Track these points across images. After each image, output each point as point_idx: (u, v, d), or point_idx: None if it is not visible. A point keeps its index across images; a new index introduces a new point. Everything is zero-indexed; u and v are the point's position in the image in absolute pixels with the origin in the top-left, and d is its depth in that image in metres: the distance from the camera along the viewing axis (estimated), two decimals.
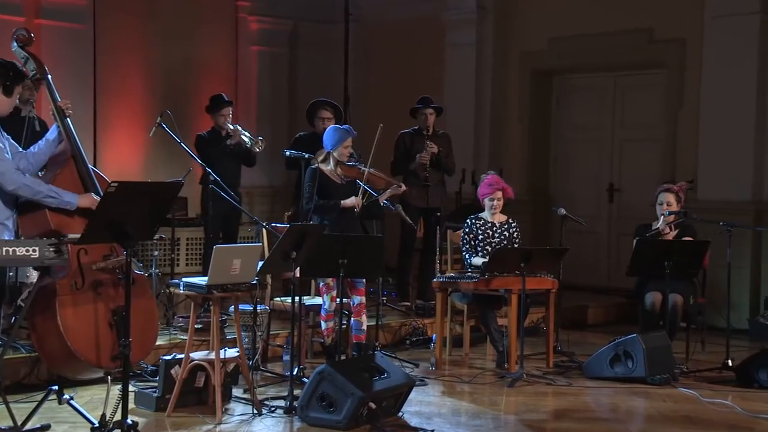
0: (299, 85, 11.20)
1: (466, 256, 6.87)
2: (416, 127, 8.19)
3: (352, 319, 6.42)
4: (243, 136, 7.62)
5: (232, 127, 7.69)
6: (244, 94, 10.90)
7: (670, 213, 6.99)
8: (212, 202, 6.95)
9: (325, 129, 7.75)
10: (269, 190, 10.97)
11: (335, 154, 6.52)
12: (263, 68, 10.97)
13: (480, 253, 6.86)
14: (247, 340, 6.16)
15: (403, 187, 6.72)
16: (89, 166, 5.45)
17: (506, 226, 6.96)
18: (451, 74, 10.44)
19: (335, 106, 7.95)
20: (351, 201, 6.47)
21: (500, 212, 6.97)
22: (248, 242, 8.59)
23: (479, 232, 6.88)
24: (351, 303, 6.42)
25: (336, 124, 7.71)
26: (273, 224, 6.68)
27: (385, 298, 7.89)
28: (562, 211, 7.28)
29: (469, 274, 6.65)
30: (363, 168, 6.55)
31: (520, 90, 10.23)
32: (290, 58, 11.22)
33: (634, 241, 6.82)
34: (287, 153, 6.78)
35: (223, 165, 7.63)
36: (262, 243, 6.55)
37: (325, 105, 7.89)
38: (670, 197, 7.03)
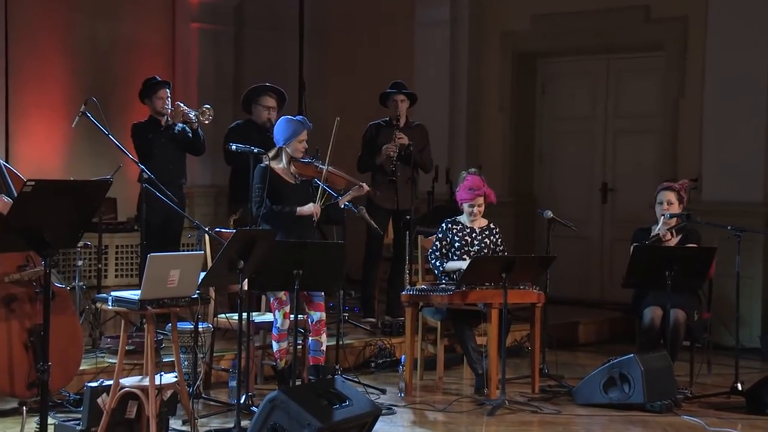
0: (246, 69, 11.15)
1: (437, 264, 6.86)
2: (387, 118, 8.20)
3: (309, 338, 6.40)
4: (188, 114, 7.57)
5: (170, 109, 7.65)
6: (183, 79, 10.82)
7: (671, 215, 7.04)
8: (146, 204, 6.89)
9: (268, 119, 7.73)
10: (212, 190, 10.90)
11: (288, 149, 6.50)
12: (205, 49, 10.90)
13: (455, 257, 6.85)
14: (186, 363, 6.11)
15: (365, 188, 6.70)
16: (1, 162, 5.37)
17: (487, 232, 6.97)
18: (421, 57, 10.45)
19: (280, 92, 7.92)
20: (308, 208, 6.45)
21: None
22: (188, 250, 8.52)
23: (456, 238, 6.88)
24: (308, 320, 6.40)
25: (279, 112, 7.69)
26: (217, 229, 6.63)
27: (347, 314, 7.87)
28: (549, 213, 7.31)
29: (443, 286, 6.66)
30: (321, 165, 6.52)
31: (501, 75, 10.26)
32: (236, 37, 11.17)
33: (631, 248, 6.86)
34: (233, 147, 6.74)
35: (165, 157, 7.58)
36: (205, 251, 6.51)
37: (268, 91, 7.85)
38: (671, 196, 7.08)
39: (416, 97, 8.29)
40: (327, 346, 6.49)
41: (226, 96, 10.84)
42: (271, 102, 7.79)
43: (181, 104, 7.68)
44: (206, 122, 7.71)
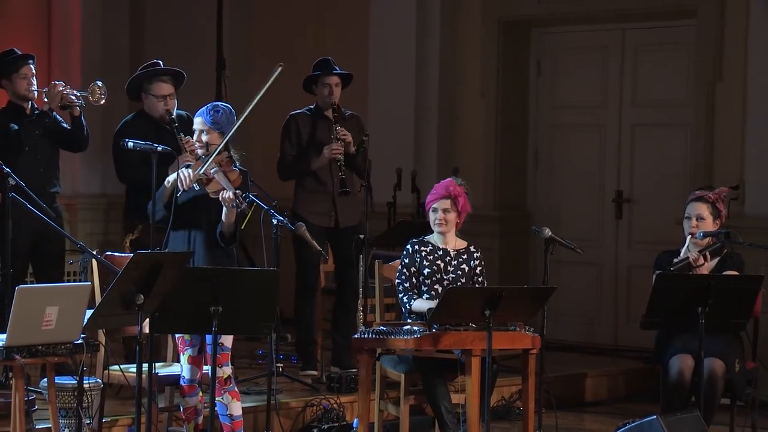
0: (148, 42, 11.13)
1: (404, 300, 6.90)
2: (312, 106, 8.22)
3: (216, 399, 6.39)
4: (69, 95, 7.51)
5: (40, 90, 7.57)
6: (61, 56, 10.77)
7: (705, 234, 7.12)
8: (12, 219, 6.87)
9: (166, 111, 7.68)
10: (102, 202, 10.87)
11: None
12: (91, 14, 10.86)
13: (426, 295, 6.90)
14: (67, 430, 6.08)
15: (227, 195, 6.44)
16: None
17: (465, 256, 7.01)
18: (379, 26, 10.48)
19: (174, 72, 7.86)
20: (173, 177, 6.38)
21: (458, 235, 7.02)
22: (71, 281, 8.48)
23: (424, 264, 6.92)
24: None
25: (176, 97, 7.68)
26: (108, 253, 6.62)
27: (281, 366, 7.88)
28: (547, 232, 7.36)
29: (408, 327, 6.69)
30: (206, 167, 6.44)
31: (483, 50, 10.32)
32: None
33: (654, 277, 6.93)
34: (129, 143, 6.72)
35: (33, 157, 7.53)
36: (92, 282, 6.50)
37: (159, 75, 7.78)
38: (702, 209, 7.17)
39: (351, 76, 8.31)
40: (257, 407, 6.48)
41: (120, 78, 10.78)
42: (165, 89, 7.66)
43: (59, 84, 7.61)
44: (101, 102, 7.65)
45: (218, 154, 6.44)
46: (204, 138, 6.46)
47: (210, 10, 10.50)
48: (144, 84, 7.75)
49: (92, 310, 5.50)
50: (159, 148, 6.58)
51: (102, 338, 6.40)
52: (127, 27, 11.10)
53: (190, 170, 6.36)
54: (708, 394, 6.86)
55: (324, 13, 10.89)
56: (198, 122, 6.49)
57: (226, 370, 6.35)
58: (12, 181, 6.61)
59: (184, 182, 6.34)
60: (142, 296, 5.40)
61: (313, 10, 10.96)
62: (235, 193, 6.27)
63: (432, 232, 7.02)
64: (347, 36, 10.47)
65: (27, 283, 7.40)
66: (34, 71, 7.67)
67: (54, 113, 7.62)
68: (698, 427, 6.55)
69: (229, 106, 6.60)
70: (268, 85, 6.62)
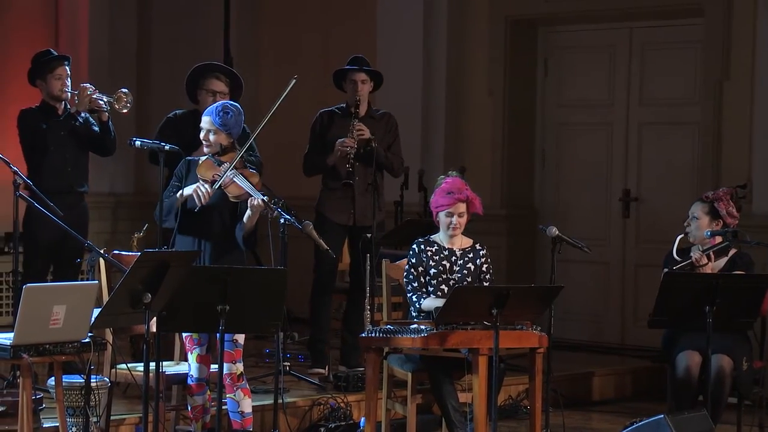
0: (155, 40, 11.14)
1: (414, 299, 6.89)
2: (343, 104, 8.23)
3: (225, 395, 6.39)
4: (98, 101, 7.53)
5: (72, 92, 7.59)
6: (68, 49, 10.72)
7: (713, 233, 7.12)
8: (30, 217, 6.87)
9: None
10: (109, 201, 10.89)
11: None
12: (98, 13, 10.86)
13: (433, 295, 6.89)
14: (75, 429, 6.09)
15: (257, 202, 6.45)
16: None
17: (471, 255, 7.01)
18: (385, 26, 10.49)
19: (230, 72, 7.89)
20: (188, 190, 6.40)
21: (463, 234, 7.01)
22: (78, 280, 8.49)
23: (431, 263, 6.92)
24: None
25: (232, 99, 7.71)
26: (116, 252, 6.62)
27: (288, 364, 7.88)
28: (554, 230, 7.35)
29: (416, 326, 6.68)
30: (224, 166, 6.44)
31: (491, 49, 10.32)
32: None
33: (662, 276, 6.92)
34: (137, 142, 6.72)
35: (62, 157, 7.54)
36: (99, 280, 6.50)
37: (216, 71, 7.80)
38: (697, 210, 7.20)
39: (382, 77, 8.32)
40: (264, 406, 6.48)
41: (127, 76, 10.81)
42: (218, 86, 7.67)
43: (89, 86, 7.63)
44: (124, 111, 7.68)
45: (231, 159, 6.45)
46: (211, 137, 6.47)
47: (217, 8, 10.51)
48: (199, 80, 7.76)
49: (100, 309, 5.49)
50: (166, 147, 6.58)
51: (109, 337, 6.40)
52: (135, 25, 11.11)
53: (207, 186, 6.36)
54: (716, 391, 6.87)
55: (331, 12, 10.89)
56: (206, 121, 6.49)
57: (239, 367, 6.38)
58: (20, 180, 6.62)
59: (201, 199, 6.34)
60: (149, 295, 5.40)
61: (320, 10, 10.95)
62: (264, 200, 6.29)
63: (437, 230, 7.01)
64: (354, 35, 10.46)
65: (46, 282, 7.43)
66: (68, 72, 7.69)
67: (86, 115, 7.63)
68: (705, 426, 6.54)
69: (238, 105, 6.60)
70: (282, 97, 6.63)
